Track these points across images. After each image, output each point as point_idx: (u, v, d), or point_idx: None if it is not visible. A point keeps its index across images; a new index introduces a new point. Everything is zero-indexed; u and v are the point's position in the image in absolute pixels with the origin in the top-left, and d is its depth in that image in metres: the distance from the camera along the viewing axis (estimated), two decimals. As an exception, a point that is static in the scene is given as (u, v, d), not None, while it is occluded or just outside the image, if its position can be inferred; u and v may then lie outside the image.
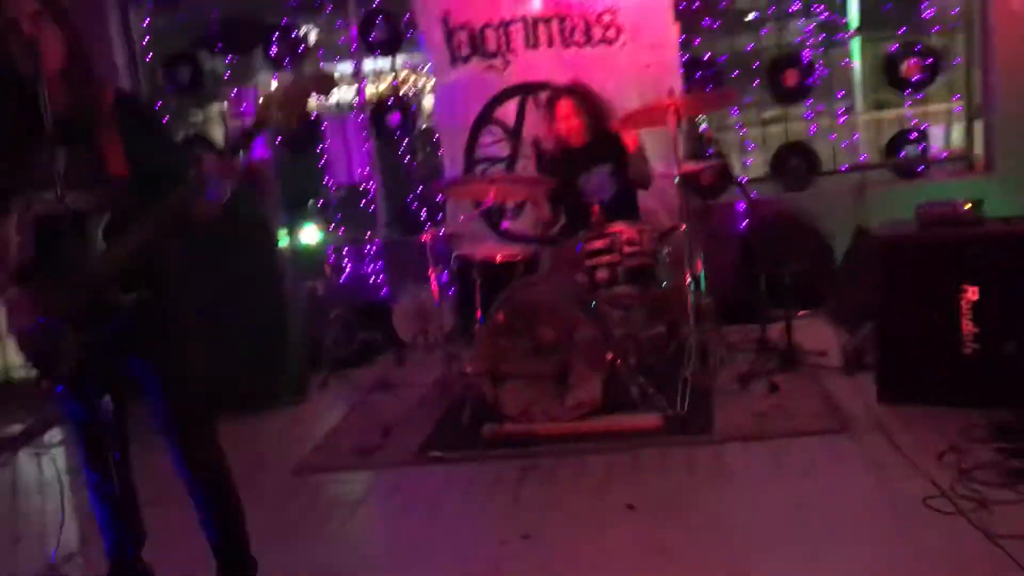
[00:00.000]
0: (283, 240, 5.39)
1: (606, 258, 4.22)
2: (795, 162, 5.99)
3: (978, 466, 3.28)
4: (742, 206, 5.93)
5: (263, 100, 2.51)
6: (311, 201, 6.21)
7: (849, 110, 5.97)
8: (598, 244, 4.25)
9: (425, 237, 4.43)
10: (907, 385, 4.01)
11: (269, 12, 6.27)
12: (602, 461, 3.85)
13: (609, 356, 4.16)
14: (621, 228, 4.26)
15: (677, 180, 4.26)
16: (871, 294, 4.12)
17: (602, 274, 4.22)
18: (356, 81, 6.33)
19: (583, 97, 5.00)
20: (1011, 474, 3.20)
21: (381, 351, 5.87)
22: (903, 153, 5.87)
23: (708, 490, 3.52)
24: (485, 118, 5.98)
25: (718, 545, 3.07)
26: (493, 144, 5.98)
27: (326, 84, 2.65)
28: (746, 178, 5.98)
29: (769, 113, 6.11)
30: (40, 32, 2.42)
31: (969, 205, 3.92)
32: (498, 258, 4.63)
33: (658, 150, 5.22)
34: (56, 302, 2.48)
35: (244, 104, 6.44)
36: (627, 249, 4.21)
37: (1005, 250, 3.77)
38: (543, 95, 5.42)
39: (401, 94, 6.34)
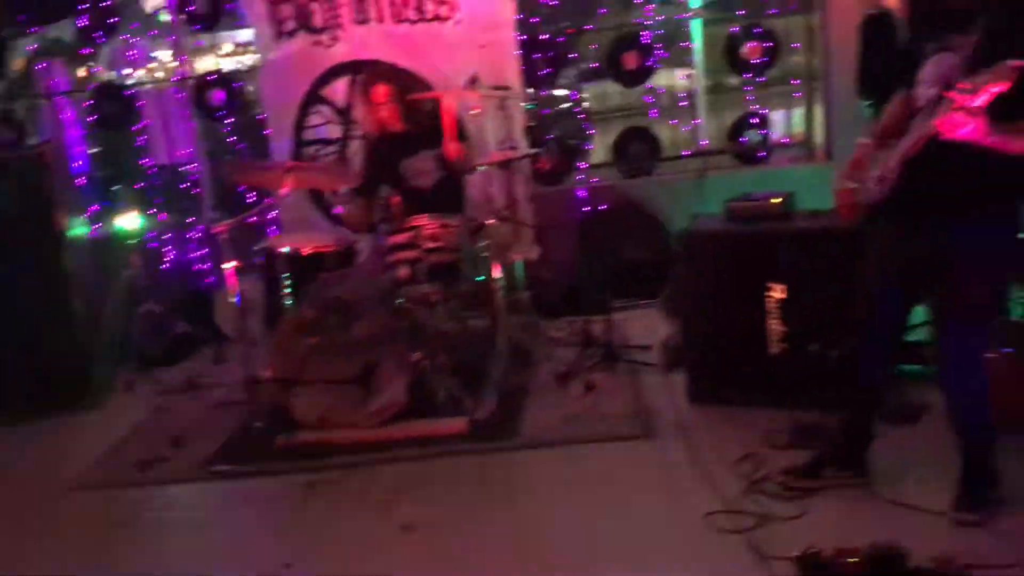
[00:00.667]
0: (79, 228, 4.94)
1: (408, 254, 3.95)
2: (636, 147, 5.82)
3: (768, 477, 3.16)
4: (582, 193, 5.74)
5: None
6: (125, 183, 5.76)
7: (690, 94, 5.81)
8: (399, 239, 3.97)
9: (218, 229, 4.07)
10: (717, 385, 3.88)
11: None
12: (394, 472, 3.62)
13: (415, 357, 3.92)
14: (423, 222, 4.00)
15: (484, 168, 4.00)
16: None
17: (404, 271, 3.95)
18: (176, 56, 5.88)
19: (397, 79, 4.72)
20: (798, 486, 3.08)
21: (199, 347, 5.49)
22: (745, 139, 5.76)
23: (501, 503, 3.33)
24: (313, 97, 5.63)
25: (502, 567, 2.87)
26: (323, 125, 5.65)
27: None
28: (586, 164, 5.82)
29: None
30: None
31: (779, 200, 3.79)
32: (305, 250, 4.33)
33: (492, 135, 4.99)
34: None
35: (54, 77, 5.92)
36: (429, 244, 3.95)
37: (810, 248, 3.64)
38: (358, 79, 5.11)
39: (225, 70, 5.91)
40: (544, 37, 5.63)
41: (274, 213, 5.66)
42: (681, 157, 5.88)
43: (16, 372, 4.63)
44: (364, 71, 5.22)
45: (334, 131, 5.61)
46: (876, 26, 2.79)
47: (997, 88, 2.22)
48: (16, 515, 3.65)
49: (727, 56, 5.66)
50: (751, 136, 5.72)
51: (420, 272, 3.94)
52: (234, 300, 4.22)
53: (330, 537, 3.19)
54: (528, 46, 5.59)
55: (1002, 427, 2.84)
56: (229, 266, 4.11)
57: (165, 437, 4.16)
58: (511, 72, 5.49)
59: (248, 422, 4.11)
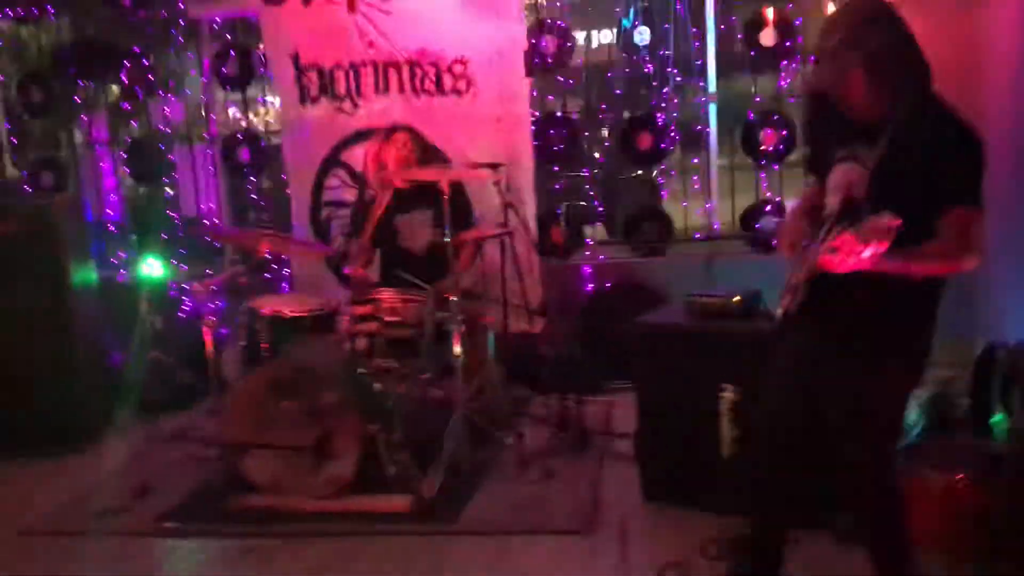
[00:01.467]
0: (88, 273, 5.16)
1: (367, 326, 4.00)
2: (648, 227, 5.77)
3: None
4: (589, 269, 5.72)
5: None
6: (152, 233, 6.01)
7: (704, 176, 5.76)
8: (360, 310, 4.03)
9: (197, 287, 4.22)
10: (671, 484, 3.78)
11: (124, 38, 6.10)
12: (328, 546, 3.62)
13: (369, 429, 3.94)
14: (385, 295, 4.04)
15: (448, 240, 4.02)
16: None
17: (362, 343, 3.99)
18: (206, 114, 6.15)
19: (418, 137, 4.84)
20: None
21: (201, 398, 5.63)
22: (759, 225, 5.65)
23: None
24: (332, 160, 5.80)
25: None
26: (339, 187, 5.80)
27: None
28: (591, 240, 5.80)
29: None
30: None
31: (739, 298, 3.70)
32: (286, 313, 4.43)
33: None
34: None
35: (95, 129, 6.26)
36: (388, 317, 3.99)
37: (764, 351, 3.53)
38: (380, 130, 5.21)
39: (251, 129, 6.14)
40: (559, 115, 5.69)
41: (287, 271, 5.85)
42: (694, 239, 5.82)
43: (11, 411, 4.82)
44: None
45: (349, 193, 5.76)
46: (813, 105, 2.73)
47: (876, 250, 2.12)
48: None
49: (744, 141, 5.60)
50: (764, 222, 5.62)
51: (378, 345, 3.97)
52: (211, 355, 4.36)
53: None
54: (543, 122, 5.66)
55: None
56: (208, 322, 4.25)
57: (133, 487, 4.27)
58: (524, 147, 5.57)
59: (209, 479, 4.18)
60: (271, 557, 3.57)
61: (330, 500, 3.90)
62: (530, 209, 5.60)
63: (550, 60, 5.60)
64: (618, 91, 5.82)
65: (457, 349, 4.03)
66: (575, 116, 5.70)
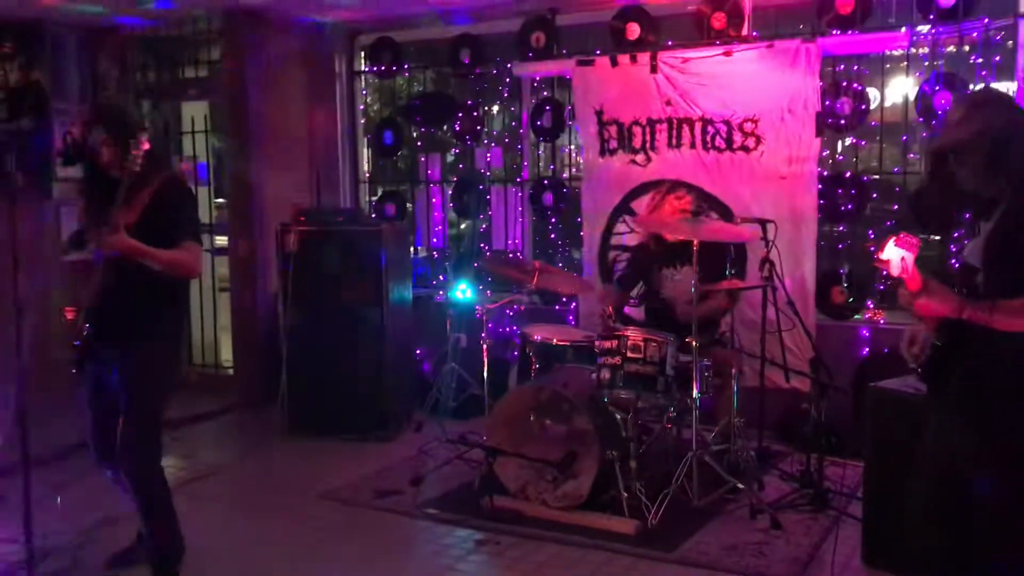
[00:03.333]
0: (401, 292, 6.06)
1: (611, 359, 4.37)
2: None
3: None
4: (867, 332, 5.64)
5: None
6: (468, 261, 6.85)
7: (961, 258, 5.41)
8: (606, 344, 4.41)
9: (479, 307, 4.88)
10: (891, 550, 3.74)
11: (460, 93, 7.04)
12: (552, 552, 4.04)
13: (608, 454, 4.30)
14: (630, 332, 4.39)
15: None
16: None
17: (604, 374, 4.37)
18: (521, 159, 6.88)
19: (701, 194, 5.15)
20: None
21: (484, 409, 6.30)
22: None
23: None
24: (622, 208, 6.26)
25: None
26: (626, 233, 6.24)
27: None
28: (872, 303, 5.70)
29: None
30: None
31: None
32: (554, 341, 4.95)
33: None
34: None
35: (430, 168, 7.25)
36: (630, 355, 4.33)
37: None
38: (664, 185, 5.60)
39: (556, 176, 6.78)
40: (848, 174, 5.69)
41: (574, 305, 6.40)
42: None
43: (334, 400, 5.82)
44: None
45: (633, 239, 6.17)
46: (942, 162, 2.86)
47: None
48: (269, 511, 4.69)
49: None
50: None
51: (619, 377, 4.33)
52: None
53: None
54: (830, 182, 5.69)
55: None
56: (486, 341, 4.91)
57: (411, 475, 4.99)
58: (808, 205, 5.65)
59: (471, 479, 4.78)
60: (503, 552, 4.07)
61: (565, 512, 4.32)
62: (810, 267, 5.67)
63: (843, 121, 5.64)
64: (912, 154, 5.68)
65: (695, 392, 4.28)
66: (865, 178, 5.66)
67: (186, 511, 3.83)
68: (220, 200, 7.67)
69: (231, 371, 7.33)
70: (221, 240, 7.43)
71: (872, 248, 2.66)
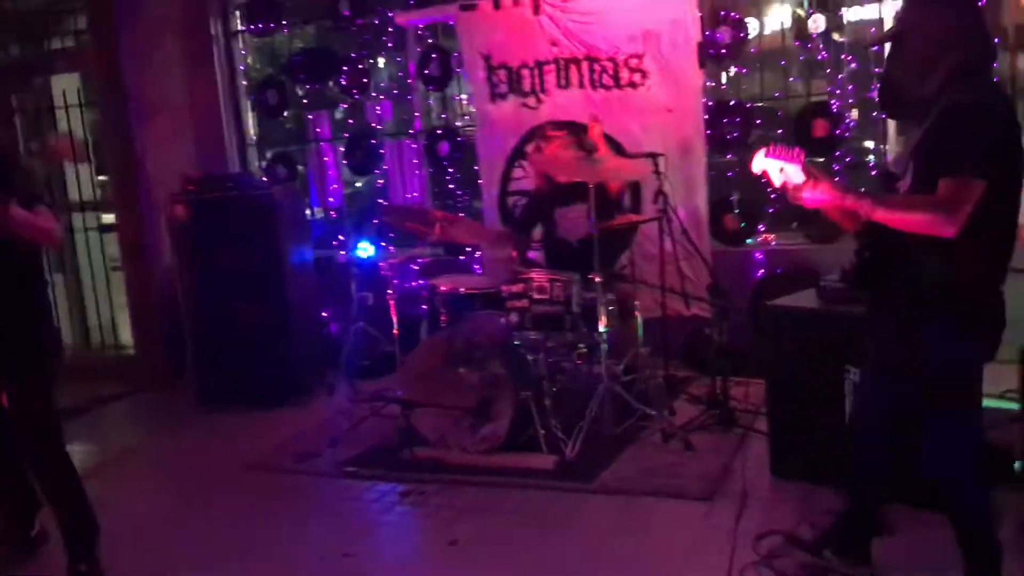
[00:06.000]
0: (300, 254, 5.98)
1: (519, 303, 4.42)
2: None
3: (777, 555, 3.24)
4: (760, 255, 5.83)
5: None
6: (365, 218, 6.78)
7: (880, 165, 5.67)
8: (513, 288, 4.46)
9: (384, 263, 4.86)
10: (797, 460, 3.93)
11: (343, 46, 6.90)
12: (474, 494, 4.12)
13: (522, 395, 4.37)
14: (535, 275, 4.45)
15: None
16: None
17: (513, 317, 4.43)
18: (412, 111, 6.81)
19: (577, 133, 5.19)
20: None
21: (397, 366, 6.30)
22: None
23: (546, 537, 3.68)
24: (517, 153, 6.28)
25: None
26: (524, 178, 6.27)
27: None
28: (763, 226, 5.89)
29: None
30: None
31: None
32: (461, 290, 4.97)
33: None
34: None
35: (319, 126, 7.11)
36: (537, 296, 4.39)
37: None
38: (538, 132, 5.63)
39: (449, 125, 6.75)
40: (732, 103, 5.82)
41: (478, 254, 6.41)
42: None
43: (242, 370, 5.74)
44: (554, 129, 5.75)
45: (530, 184, 6.20)
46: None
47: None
48: (198, 485, 4.64)
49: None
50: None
51: (527, 319, 4.39)
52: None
53: (390, 539, 3.78)
54: (715, 111, 5.82)
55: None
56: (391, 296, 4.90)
57: (329, 437, 4.97)
58: (696, 136, 5.77)
59: (388, 434, 4.79)
60: (427, 500, 4.12)
61: (485, 456, 4.39)
62: (702, 196, 5.81)
63: (724, 51, 5.75)
64: (792, 78, 5.85)
65: (602, 327, 4.37)
66: (748, 105, 5.81)
67: (103, 495, 3.75)
68: (102, 177, 7.38)
69: (132, 351, 7.13)
70: (108, 218, 7.17)
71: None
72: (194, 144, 6.84)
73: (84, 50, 6.84)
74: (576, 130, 5.45)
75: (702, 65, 5.70)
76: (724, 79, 5.94)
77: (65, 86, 7.17)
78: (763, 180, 2.75)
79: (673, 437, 4.49)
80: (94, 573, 3.47)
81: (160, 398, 6.34)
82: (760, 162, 2.69)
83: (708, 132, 5.80)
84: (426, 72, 6.58)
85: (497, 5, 6.09)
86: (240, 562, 3.70)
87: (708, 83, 5.81)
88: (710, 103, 5.83)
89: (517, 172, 6.31)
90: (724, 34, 5.74)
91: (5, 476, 3.61)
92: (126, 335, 7.29)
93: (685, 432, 4.51)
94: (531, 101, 6.17)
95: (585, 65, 5.97)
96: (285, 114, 7.31)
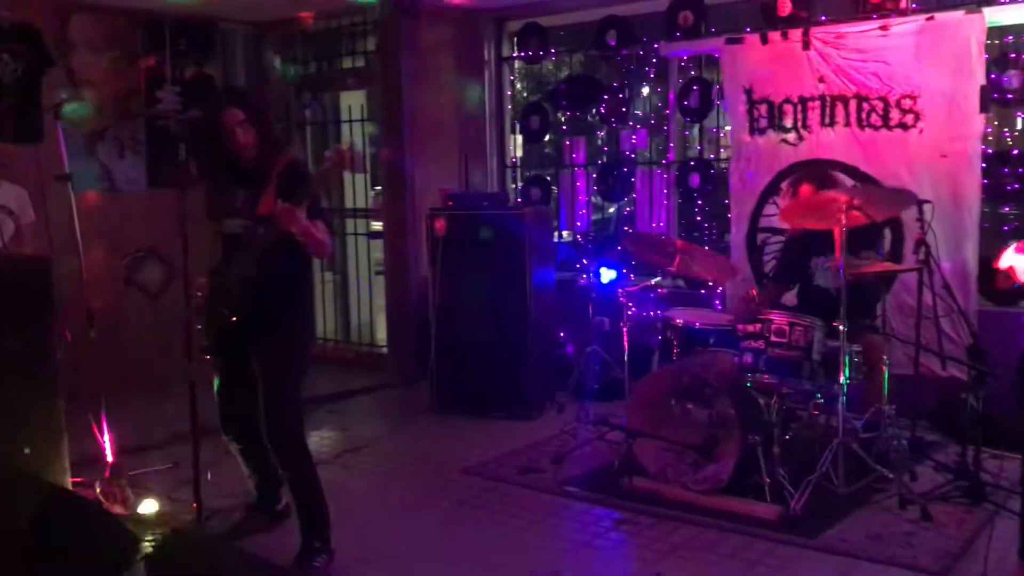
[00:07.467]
0: (543, 275, 6.15)
1: (754, 343, 4.31)
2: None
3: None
4: (1030, 319, 5.32)
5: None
6: (611, 244, 6.88)
7: None
8: (750, 328, 4.34)
9: (622, 290, 4.92)
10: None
11: (607, 75, 7.05)
12: (690, 534, 4.05)
13: (750, 439, 4.26)
14: (775, 316, 4.31)
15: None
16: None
17: (748, 358, 4.32)
18: (667, 141, 6.83)
19: (823, 183, 4.99)
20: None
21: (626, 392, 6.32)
22: None
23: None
24: (772, 189, 6.12)
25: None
26: (776, 216, 6.10)
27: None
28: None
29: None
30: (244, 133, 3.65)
31: None
32: (697, 324, 4.93)
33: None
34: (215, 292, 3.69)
35: (575, 152, 7.30)
36: (774, 339, 4.25)
37: None
38: (793, 176, 5.46)
39: (703, 157, 6.70)
40: (1015, 152, 5.36)
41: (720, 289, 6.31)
42: None
43: (478, 379, 6.02)
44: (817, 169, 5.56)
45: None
46: None
47: None
48: (417, 483, 4.89)
49: None
50: None
51: (762, 361, 4.27)
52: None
53: (599, 563, 3.81)
54: (995, 160, 5.38)
55: None
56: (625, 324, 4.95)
57: (553, 454, 5.09)
58: (971, 184, 5.36)
59: (611, 460, 4.83)
60: (640, 531, 4.11)
61: (705, 495, 4.31)
62: (971, 250, 5.39)
63: (1010, 96, 5.32)
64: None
65: (842, 378, 4.17)
66: (1034, 155, 5.33)
67: (339, 480, 4.07)
68: (376, 188, 8.01)
69: (385, 350, 7.66)
70: (377, 225, 7.76)
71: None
72: (458, 162, 7.24)
73: (371, 69, 7.45)
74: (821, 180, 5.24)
75: (984, 110, 5.30)
76: (1019, 125, 5.48)
77: (351, 102, 7.85)
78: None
79: (911, 504, 4.19)
80: (326, 549, 3.76)
81: (402, 395, 6.76)
82: (1009, 258, 2.43)
83: (985, 181, 5.38)
84: (685, 103, 6.59)
85: (765, 39, 5.99)
86: (453, 563, 3.87)
87: (989, 129, 5.39)
88: (989, 151, 5.40)
89: (769, 208, 6.16)
90: (1013, 78, 5.31)
91: (256, 455, 4.00)
92: (381, 334, 7.84)
93: (925, 500, 4.20)
94: (791, 137, 6.00)
95: (853, 103, 5.73)
96: (546, 139, 7.58)
